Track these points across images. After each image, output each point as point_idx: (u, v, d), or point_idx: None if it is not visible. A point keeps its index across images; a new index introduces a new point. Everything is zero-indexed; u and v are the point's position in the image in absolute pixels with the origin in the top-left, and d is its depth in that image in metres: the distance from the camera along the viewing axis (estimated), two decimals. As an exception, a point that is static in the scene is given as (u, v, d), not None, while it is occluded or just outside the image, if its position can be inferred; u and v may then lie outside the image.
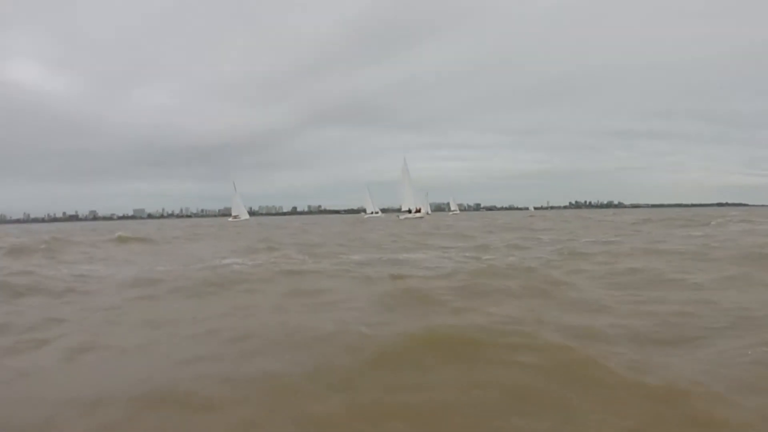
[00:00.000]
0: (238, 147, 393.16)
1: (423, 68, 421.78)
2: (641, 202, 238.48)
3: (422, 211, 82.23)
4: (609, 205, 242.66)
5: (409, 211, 79.22)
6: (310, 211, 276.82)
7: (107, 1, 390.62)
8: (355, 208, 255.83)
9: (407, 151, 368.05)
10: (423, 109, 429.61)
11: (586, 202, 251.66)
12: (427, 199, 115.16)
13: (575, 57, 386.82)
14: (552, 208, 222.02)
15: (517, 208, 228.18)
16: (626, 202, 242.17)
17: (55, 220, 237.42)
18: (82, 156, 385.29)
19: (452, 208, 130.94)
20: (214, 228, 50.88)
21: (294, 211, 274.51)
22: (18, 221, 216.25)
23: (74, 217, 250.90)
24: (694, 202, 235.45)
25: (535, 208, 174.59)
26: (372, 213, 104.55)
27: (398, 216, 77.92)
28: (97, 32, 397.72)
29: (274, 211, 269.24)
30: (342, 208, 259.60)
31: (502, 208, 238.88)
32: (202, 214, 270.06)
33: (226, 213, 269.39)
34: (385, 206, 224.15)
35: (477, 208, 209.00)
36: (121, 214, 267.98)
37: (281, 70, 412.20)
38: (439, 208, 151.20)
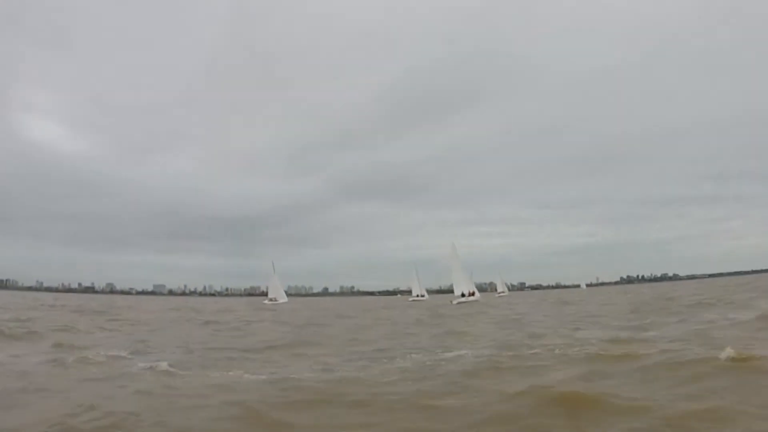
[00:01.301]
0: (264, 220, 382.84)
1: (459, 139, 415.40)
2: (698, 272, 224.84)
3: (476, 294, 78.28)
4: (663, 278, 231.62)
5: (463, 295, 75.89)
6: (342, 293, 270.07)
7: (135, 67, 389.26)
8: (391, 289, 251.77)
9: (444, 228, 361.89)
10: (460, 182, 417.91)
11: (638, 276, 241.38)
12: (471, 279, 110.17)
13: (618, 122, 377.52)
14: (602, 284, 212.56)
15: (565, 286, 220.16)
16: (681, 274, 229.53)
17: (69, 290, 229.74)
18: (101, 221, 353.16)
19: (499, 289, 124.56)
20: (266, 315, 45.43)
21: (325, 292, 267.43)
22: (30, 288, 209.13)
23: (90, 289, 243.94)
24: (755, 268, 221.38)
25: (588, 285, 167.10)
26: (418, 296, 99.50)
27: (451, 301, 75.24)
28: (123, 96, 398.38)
29: (303, 292, 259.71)
30: (376, 288, 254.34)
31: (548, 287, 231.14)
32: (227, 293, 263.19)
33: (252, 292, 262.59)
34: (426, 286, 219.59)
35: (522, 287, 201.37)
36: (140, 289, 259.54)
37: (311, 141, 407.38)
38: (481, 288, 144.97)
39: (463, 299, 73.29)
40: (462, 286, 77.42)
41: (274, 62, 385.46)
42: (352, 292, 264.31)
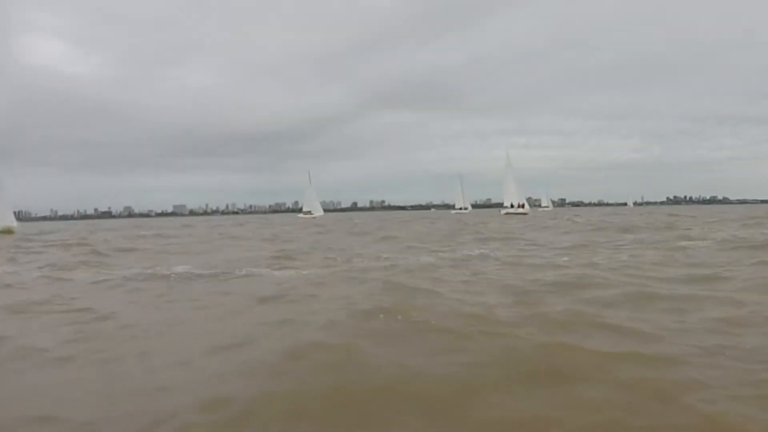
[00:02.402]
0: (287, 134, 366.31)
1: (494, 45, 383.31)
2: (749, 197, 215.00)
3: (525, 206, 75.41)
4: (712, 201, 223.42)
5: (512, 206, 73.33)
6: (372, 207, 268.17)
7: None
8: (423, 203, 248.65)
9: (480, 138, 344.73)
10: (496, 90, 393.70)
11: (685, 197, 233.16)
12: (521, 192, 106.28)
13: (672, 29, 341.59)
14: (647, 203, 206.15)
15: (608, 204, 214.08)
16: (732, 198, 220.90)
17: (85, 216, 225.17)
18: (114, 145, 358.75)
19: (544, 204, 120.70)
20: (316, 231, 43.51)
21: (354, 207, 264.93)
22: (44, 218, 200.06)
23: (107, 214, 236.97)
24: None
25: (635, 204, 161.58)
26: (461, 209, 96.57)
27: (500, 211, 73.72)
28: (128, 5, 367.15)
29: (331, 207, 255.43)
30: (408, 203, 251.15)
31: (590, 204, 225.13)
32: (250, 211, 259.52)
33: (276, 209, 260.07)
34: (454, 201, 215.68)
35: (562, 203, 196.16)
36: (159, 211, 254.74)
37: (335, 47, 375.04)
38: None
39: (512, 210, 71.61)
40: (513, 197, 74.60)
41: None
42: (383, 207, 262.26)
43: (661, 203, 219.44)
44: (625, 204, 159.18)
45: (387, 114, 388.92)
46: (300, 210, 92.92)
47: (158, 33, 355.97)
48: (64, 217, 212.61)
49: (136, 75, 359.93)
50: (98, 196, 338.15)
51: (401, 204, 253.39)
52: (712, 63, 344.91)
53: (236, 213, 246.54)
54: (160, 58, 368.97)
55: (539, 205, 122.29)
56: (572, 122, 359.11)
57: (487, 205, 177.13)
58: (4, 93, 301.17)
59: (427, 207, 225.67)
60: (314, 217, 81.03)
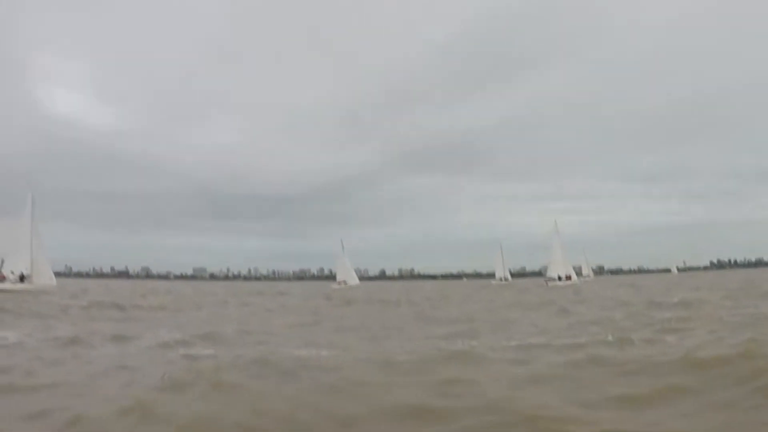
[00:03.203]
0: (311, 196, 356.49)
1: (527, 102, 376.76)
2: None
3: (573, 278, 72.87)
4: (758, 264, 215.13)
5: (559, 278, 70.65)
6: (401, 276, 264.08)
7: (164, 27, 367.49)
8: (455, 272, 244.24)
9: (513, 202, 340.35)
10: (529, 151, 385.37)
11: (729, 260, 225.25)
12: (568, 261, 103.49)
13: (706, 78, 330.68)
14: (690, 269, 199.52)
15: (649, 270, 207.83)
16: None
17: (101, 275, 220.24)
18: (133, 200, 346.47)
19: (584, 272, 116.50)
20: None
21: (383, 276, 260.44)
22: (58, 274, 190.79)
23: (124, 274, 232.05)
24: None
25: (679, 270, 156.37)
26: (501, 279, 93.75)
27: (546, 282, 70.69)
28: (150, 59, 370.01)
29: (359, 275, 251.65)
30: (438, 271, 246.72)
31: (630, 271, 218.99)
32: (274, 277, 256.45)
33: (301, 276, 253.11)
34: (488, 269, 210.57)
35: (600, 270, 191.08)
36: (178, 273, 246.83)
37: (362, 106, 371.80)
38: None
39: (560, 282, 68.83)
40: (559, 267, 72.13)
41: (320, 15, 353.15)
42: (412, 276, 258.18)
43: (705, 268, 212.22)
44: (669, 270, 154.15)
45: (415, 176, 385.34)
46: (326, 277, 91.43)
47: (180, 88, 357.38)
48: (79, 275, 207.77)
49: (156, 129, 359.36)
50: (115, 253, 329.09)
51: (431, 273, 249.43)
52: (753, 115, 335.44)
53: (258, 279, 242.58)
54: (182, 114, 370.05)
55: (579, 274, 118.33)
56: (608, 185, 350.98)
57: (522, 274, 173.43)
58: (20, 142, 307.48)
59: (459, 276, 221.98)
60: (351, 287, 79.04)
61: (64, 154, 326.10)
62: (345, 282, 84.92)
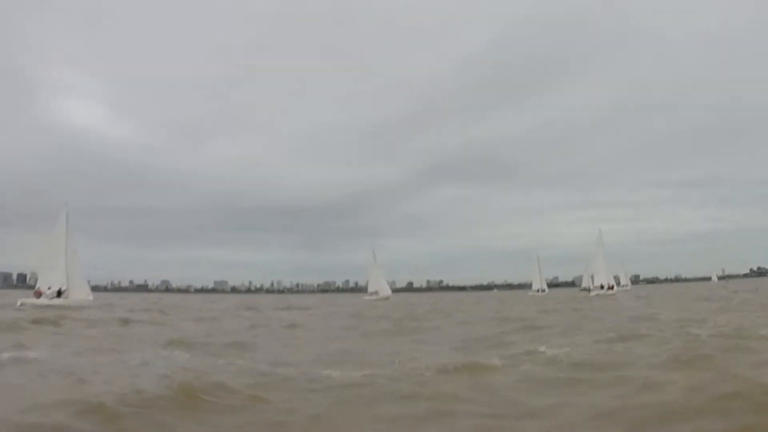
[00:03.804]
0: (336, 208, 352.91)
1: (556, 114, 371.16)
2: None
3: (615, 288, 70.96)
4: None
5: (601, 287, 69.24)
6: (430, 288, 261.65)
7: (183, 42, 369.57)
8: (484, 283, 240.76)
9: (543, 212, 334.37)
10: (559, 161, 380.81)
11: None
12: (587, 270, 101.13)
13: (743, 90, 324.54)
14: (728, 277, 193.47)
15: (686, 279, 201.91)
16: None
17: (119, 289, 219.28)
18: (152, 214, 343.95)
19: (623, 282, 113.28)
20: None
21: (410, 288, 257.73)
22: None
23: (143, 287, 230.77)
24: None
25: (719, 278, 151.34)
26: (539, 290, 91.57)
27: (589, 292, 69.03)
28: (172, 75, 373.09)
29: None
30: (467, 283, 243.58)
31: (666, 280, 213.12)
32: (298, 290, 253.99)
33: (326, 288, 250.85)
34: (519, 280, 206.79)
35: (636, 280, 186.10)
36: (199, 287, 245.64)
37: (386, 119, 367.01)
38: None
39: (602, 292, 66.98)
40: (602, 277, 70.18)
41: (342, 29, 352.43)
42: (441, 287, 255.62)
43: (744, 276, 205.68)
44: (709, 278, 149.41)
45: (442, 188, 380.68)
46: (351, 290, 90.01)
47: (200, 101, 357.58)
48: (96, 288, 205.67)
49: (176, 141, 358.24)
50: (133, 267, 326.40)
51: (460, 284, 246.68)
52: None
53: (282, 292, 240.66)
54: (202, 127, 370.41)
55: (618, 284, 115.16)
56: (641, 193, 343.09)
57: (555, 284, 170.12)
58: (36, 154, 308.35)
59: (489, 287, 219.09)
60: (386, 298, 77.41)
61: (82, 169, 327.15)
62: (377, 293, 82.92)
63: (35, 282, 44.03)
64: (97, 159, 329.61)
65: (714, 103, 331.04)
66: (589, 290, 73.02)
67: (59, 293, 40.19)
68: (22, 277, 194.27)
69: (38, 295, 40.31)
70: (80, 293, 41.00)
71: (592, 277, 76.39)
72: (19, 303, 38.27)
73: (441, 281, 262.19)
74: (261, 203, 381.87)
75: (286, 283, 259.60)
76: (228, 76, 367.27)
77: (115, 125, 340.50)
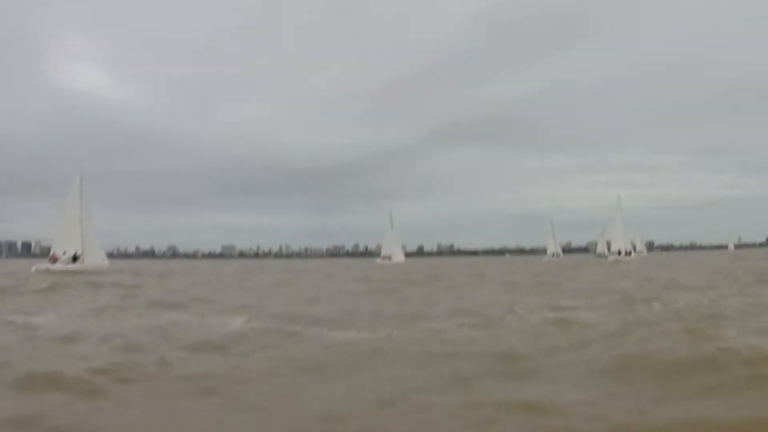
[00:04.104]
0: (345, 171, 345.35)
1: (574, 75, 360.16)
2: None
3: (632, 254, 70.54)
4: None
5: (619, 253, 69.39)
6: (440, 252, 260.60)
7: (189, 2, 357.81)
8: (496, 247, 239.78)
9: (558, 176, 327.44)
10: (576, 124, 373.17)
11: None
12: (603, 237, 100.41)
13: (764, 53, 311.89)
14: (744, 245, 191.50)
15: (702, 247, 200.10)
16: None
17: (126, 255, 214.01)
18: (158, 179, 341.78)
19: (638, 248, 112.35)
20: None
21: (420, 252, 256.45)
22: None
23: (149, 253, 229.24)
24: None
25: (736, 246, 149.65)
26: (554, 255, 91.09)
27: (607, 257, 69.04)
28: (177, 34, 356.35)
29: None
30: (479, 247, 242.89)
31: (681, 247, 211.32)
32: (306, 254, 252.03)
33: (335, 253, 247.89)
34: (531, 245, 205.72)
35: (650, 247, 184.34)
36: (206, 252, 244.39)
37: (398, 79, 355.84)
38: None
39: (619, 258, 66.61)
40: (620, 243, 69.70)
41: None
42: (451, 251, 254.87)
43: (761, 245, 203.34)
44: (726, 247, 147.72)
45: (454, 150, 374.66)
46: (360, 254, 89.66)
47: (206, 62, 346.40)
48: None
49: (181, 104, 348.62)
50: (140, 233, 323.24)
51: (472, 248, 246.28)
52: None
53: (290, 256, 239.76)
54: (208, 88, 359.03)
55: (633, 250, 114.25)
56: (658, 157, 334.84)
57: (568, 250, 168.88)
58: (39, 119, 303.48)
59: (501, 252, 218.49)
60: (395, 263, 76.63)
61: (86, 134, 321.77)
62: (389, 258, 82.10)
63: (39, 250, 44.08)
64: (101, 123, 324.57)
65: (736, 68, 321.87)
66: (605, 256, 72.66)
67: (75, 258, 40.21)
68: (26, 246, 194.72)
69: (54, 260, 40.35)
70: (96, 258, 41.01)
71: (608, 243, 75.83)
72: (34, 269, 38.36)
73: (452, 245, 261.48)
74: (269, 166, 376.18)
75: (295, 247, 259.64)
76: (234, 36, 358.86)
77: (119, 89, 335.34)
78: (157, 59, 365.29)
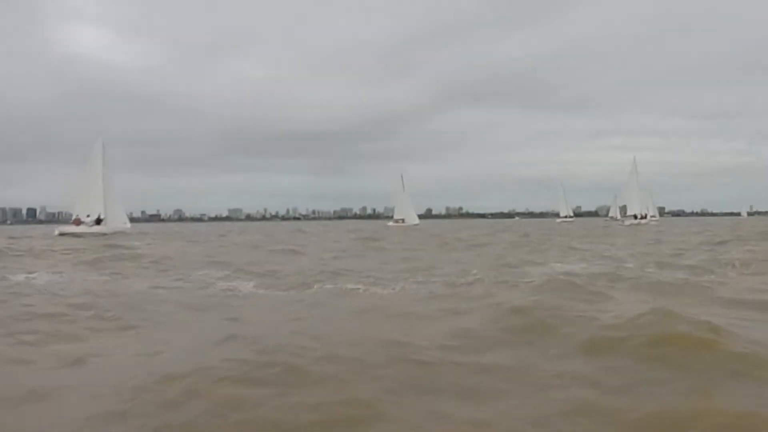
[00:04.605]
0: (352, 132, 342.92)
1: (585, 34, 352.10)
2: None
3: (648, 217, 70.95)
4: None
5: (635, 217, 70.16)
6: (449, 215, 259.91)
7: None
8: (505, 210, 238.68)
9: (569, 138, 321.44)
10: (586, 85, 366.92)
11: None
12: (616, 201, 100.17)
13: None
14: (757, 213, 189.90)
15: (713, 214, 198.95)
16: None
17: (132, 220, 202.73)
18: (162, 142, 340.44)
19: (651, 214, 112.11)
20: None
21: (429, 214, 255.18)
22: None
23: (155, 217, 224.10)
24: None
25: (749, 214, 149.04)
26: (566, 217, 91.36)
27: (623, 222, 71.02)
28: None
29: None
30: (488, 210, 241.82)
31: (692, 213, 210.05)
32: (314, 216, 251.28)
33: (342, 215, 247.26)
34: (540, 209, 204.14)
35: (661, 213, 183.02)
36: (213, 215, 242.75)
37: (405, 36, 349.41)
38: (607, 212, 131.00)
39: (635, 222, 66.97)
40: (635, 206, 69.97)
41: None
42: (460, 215, 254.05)
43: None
44: (738, 214, 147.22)
45: (463, 112, 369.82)
46: (368, 216, 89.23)
47: (210, 20, 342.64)
48: None
49: (185, 65, 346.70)
50: (145, 197, 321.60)
51: (480, 211, 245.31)
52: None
53: (297, 219, 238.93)
54: (213, 48, 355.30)
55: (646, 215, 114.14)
56: (671, 121, 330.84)
57: (578, 214, 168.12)
58: (41, 83, 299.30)
59: (510, 215, 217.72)
60: (409, 226, 75.56)
61: (88, 96, 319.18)
62: (403, 220, 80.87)
63: (45, 216, 44.54)
64: (103, 86, 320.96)
65: (757, 28, 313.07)
66: (620, 220, 73.08)
67: (98, 221, 40.68)
68: (32, 212, 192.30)
69: (77, 223, 40.85)
70: (118, 221, 41.49)
71: (623, 207, 76.10)
72: (57, 232, 38.86)
73: (460, 208, 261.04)
74: (275, 127, 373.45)
75: (302, 210, 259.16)
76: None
77: (121, 50, 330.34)
78: (161, 20, 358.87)
